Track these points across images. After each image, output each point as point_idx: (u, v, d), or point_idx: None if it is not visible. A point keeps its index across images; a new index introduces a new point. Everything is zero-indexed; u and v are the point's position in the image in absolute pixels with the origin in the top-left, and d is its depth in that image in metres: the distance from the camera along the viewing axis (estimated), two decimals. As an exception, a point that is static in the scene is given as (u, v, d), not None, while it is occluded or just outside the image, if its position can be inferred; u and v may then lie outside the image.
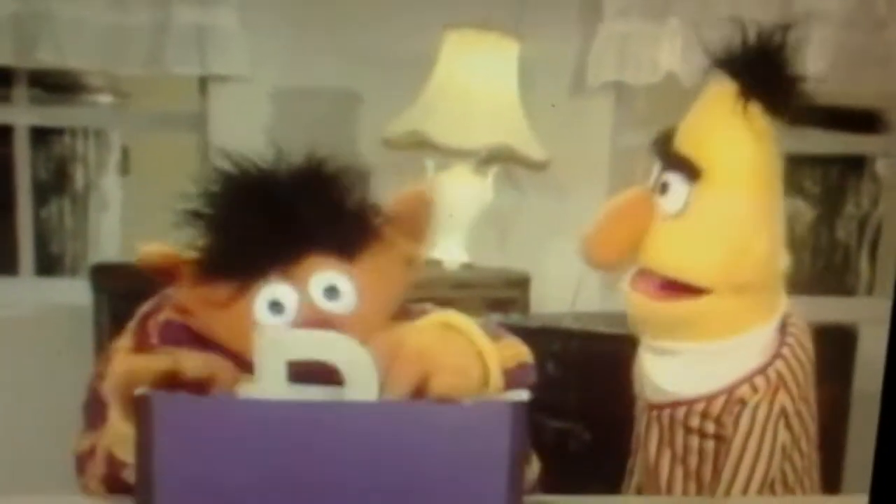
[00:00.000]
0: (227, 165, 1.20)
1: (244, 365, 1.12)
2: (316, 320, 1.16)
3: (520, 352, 1.25)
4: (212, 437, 0.99)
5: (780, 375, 1.40)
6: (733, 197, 1.38)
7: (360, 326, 1.12)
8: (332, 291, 1.19)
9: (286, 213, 1.18)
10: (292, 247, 1.18)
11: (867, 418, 2.29)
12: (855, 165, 3.67)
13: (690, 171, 1.37)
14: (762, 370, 1.40)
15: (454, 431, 0.99)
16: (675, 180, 1.39)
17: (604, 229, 1.46)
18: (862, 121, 3.06)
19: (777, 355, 1.41)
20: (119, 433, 1.11)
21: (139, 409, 1.00)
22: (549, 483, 1.71)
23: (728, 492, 1.39)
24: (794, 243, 1.47)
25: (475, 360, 1.11)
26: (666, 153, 1.41)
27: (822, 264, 3.68)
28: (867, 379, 2.25)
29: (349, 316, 1.18)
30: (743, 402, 1.39)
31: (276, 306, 1.17)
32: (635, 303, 1.44)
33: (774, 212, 1.43)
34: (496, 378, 1.11)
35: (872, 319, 2.46)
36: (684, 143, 1.40)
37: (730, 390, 1.40)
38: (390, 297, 1.24)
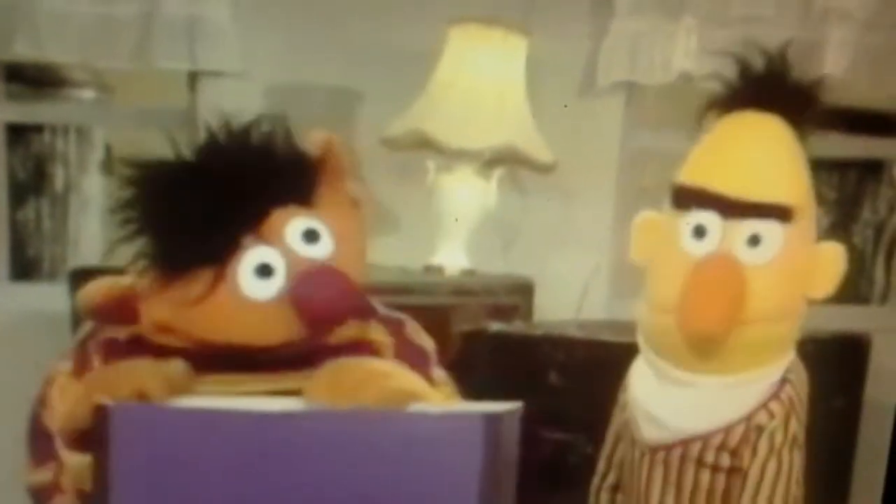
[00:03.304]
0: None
1: (224, 361, 1.20)
2: (308, 269, 1.22)
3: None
4: (171, 448, 1.03)
5: (791, 400, 1.45)
6: (813, 224, 1.44)
7: (346, 266, 1.24)
8: (310, 235, 1.25)
9: (234, 178, 1.23)
10: (252, 207, 1.23)
11: (878, 430, 2.35)
12: (873, 170, 3.69)
13: (784, 216, 1.40)
14: (776, 395, 1.45)
15: (424, 443, 1.02)
16: (768, 228, 1.40)
17: (706, 303, 1.41)
18: (881, 124, 3.09)
19: (785, 380, 1.46)
20: (77, 467, 1.18)
21: (96, 420, 1.04)
22: (550, 496, 1.76)
23: None
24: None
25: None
26: (737, 206, 1.40)
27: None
28: (879, 389, 2.30)
29: (333, 258, 1.25)
30: (760, 429, 1.43)
31: (264, 270, 1.22)
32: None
33: None
34: None
35: (886, 329, 2.52)
36: (756, 189, 1.41)
37: (748, 417, 1.44)
38: (359, 236, 1.32)
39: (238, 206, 1.22)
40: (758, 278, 1.40)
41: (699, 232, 1.42)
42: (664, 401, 1.48)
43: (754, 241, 1.40)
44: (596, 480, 1.62)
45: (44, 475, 1.28)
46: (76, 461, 1.18)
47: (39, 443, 1.29)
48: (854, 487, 2.20)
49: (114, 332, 1.32)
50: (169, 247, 1.22)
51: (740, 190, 1.41)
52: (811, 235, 1.45)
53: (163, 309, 1.23)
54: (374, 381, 1.12)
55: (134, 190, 1.25)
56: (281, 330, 1.23)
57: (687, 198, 1.44)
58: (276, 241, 1.23)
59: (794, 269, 1.41)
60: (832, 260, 1.43)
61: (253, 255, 1.22)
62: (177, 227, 1.21)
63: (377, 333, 1.36)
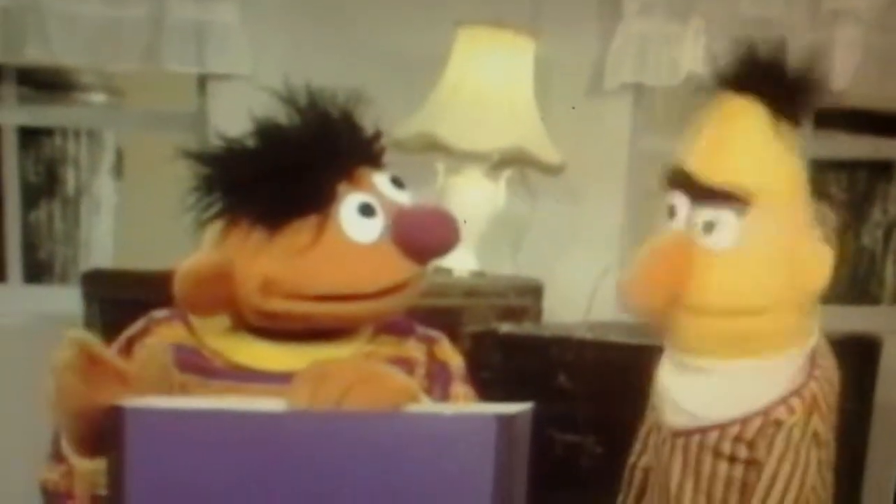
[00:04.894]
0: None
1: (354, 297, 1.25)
2: (404, 207, 1.29)
3: None
4: (186, 449, 1.03)
5: (814, 397, 1.45)
6: (786, 218, 1.42)
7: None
8: (396, 182, 1.32)
9: (327, 136, 1.29)
10: (343, 161, 1.29)
11: (889, 431, 2.34)
12: (882, 170, 3.68)
13: (740, 204, 1.40)
14: (797, 391, 1.45)
15: (437, 443, 1.02)
16: (722, 216, 1.40)
17: (646, 274, 1.46)
18: (890, 124, 3.08)
19: (811, 377, 1.46)
20: (87, 473, 1.18)
21: (111, 422, 1.04)
22: (561, 498, 1.76)
23: None
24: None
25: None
26: (699, 188, 1.42)
27: (846, 272, 3.70)
28: (891, 390, 2.30)
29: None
30: (779, 424, 1.44)
31: (366, 209, 1.27)
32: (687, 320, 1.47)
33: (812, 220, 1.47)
34: None
35: (898, 330, 2.50)
36: (719, 173, 1.42)
37: (766, 412, 1.44)
38: None
39: (331, 159, 1.28)
40: (714, 266, 1.41)
41: (671, 212, 1.44)
42: (683, 386, 1.49)
43: (709, 227, 1.41)
44: (632, 458, 1.64)
45: (55, 474, 1.27)
46: (87, 466, 1.18)
47: (59, 440, 1.27)
48: (866, 489, 2.20)
49: (162, 337, 1.33)
50: (273, 200, 1.25)
51: (705, 173, 1.42)
52: (793, 226, 1.43)
53: (270, 264, 1.25)
54: (358, 390, 1.12)
55: (229, 157, 1.29)
56: (388, 270, 1.28)
57: (668, 177, 1.47)
58: (368, 188, 1.29)
59: (767, 259, 1.41)
60: (817, 257, 1.43)
61: (352, 199, 1.27)
62: (281, 179, 1.25)
63: (414, 351, 1.39)
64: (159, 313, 1.37)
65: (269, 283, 1.25)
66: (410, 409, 1.12)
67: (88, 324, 2.34)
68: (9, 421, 2.56)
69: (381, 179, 1.32)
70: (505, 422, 1.03)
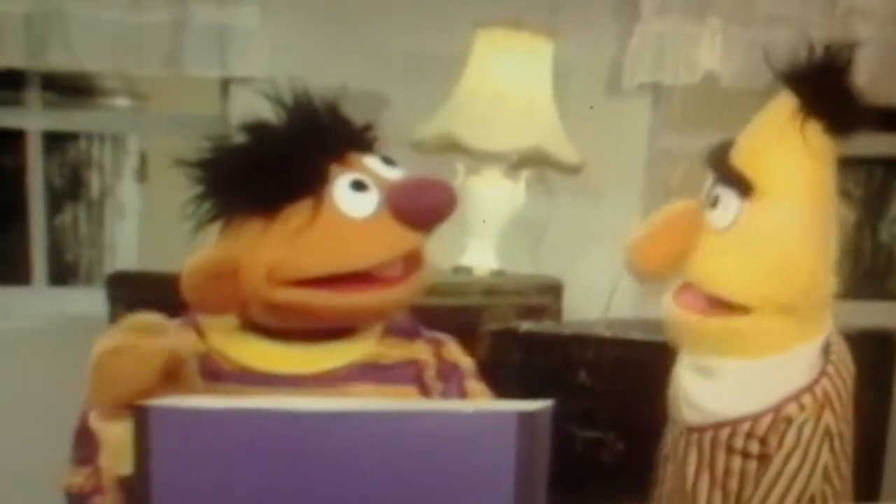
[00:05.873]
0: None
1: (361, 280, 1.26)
2: (398, 180, 1.30)
3: None
4: (211, 449, 1.03)
5: (826, 394, 1.44)
6: (784, 217, 1.42)
7: None
8: (387, 160, 1.32)
9: (318, 124, 1.30)
10: (334, 145, 1.30)
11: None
12: (899, 167, 3.68)
13: (742, 187, 1.41)
14: (809, 388, 1.44)
15: (457, 441, 1.02)
16: (727, 194, 1.43)
17: (649, 238, 1.50)
18: (906, 121, 3.07)
19: (823, 373, 1.45)
20: (115, 447, 1.17)
21: (137, 421, 1.05)
22: (582, 494, 1.76)
23: None
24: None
25: None
26: (720, 165, 1.45)
27: (863, 268, 3.69)
28: (908, 385, 2.30)
29: None
30: (790, 421, 1.43)
31: (358, 185, 1.27)
32: (676, 317, 1.48)
33: (827, 232, 1.47)
34: None
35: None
36: (739, 157, 1.43)
37: (777, 409, 1.44)
38: None
39: (319, 142, 1.28)
40: (707, 241, 1.44)
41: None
42: (696, 383, 1.49)
43: (714, 202, 1.44)
44: (664, 450, 1.62)
45: (80, 477, 1.28)
46: (115, 433, 1.17)
47: (82, 444, 1.28)
48: (885, 483, 2.19)
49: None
50: (266, 187, 1.25)
51: (730, 155, 1.44)
52: (792, 228, 1.43)
53: (272, 251, 1.25)
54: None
55: (218, 156, 1.30)
56: (388, 241, 1.28)
57: (709, 152, 1.50)
58: (359, 167, 1.29)
59: (754, 248, 1.42)
60: (807, 268, 1.43)
61: (344, 177, 1.27)
62: (271, 167, 1.25)
63: (423, 353, 1.39)
64: (171, 323, 1.37)
65: (274, 270, 1.25)
66: (431, 407, 1.13)
67: (114, 325, 2.35)
68: (33, 421, 2.58)
69: (371, 160, 1.32)
70: (526, 419, 1.03)
